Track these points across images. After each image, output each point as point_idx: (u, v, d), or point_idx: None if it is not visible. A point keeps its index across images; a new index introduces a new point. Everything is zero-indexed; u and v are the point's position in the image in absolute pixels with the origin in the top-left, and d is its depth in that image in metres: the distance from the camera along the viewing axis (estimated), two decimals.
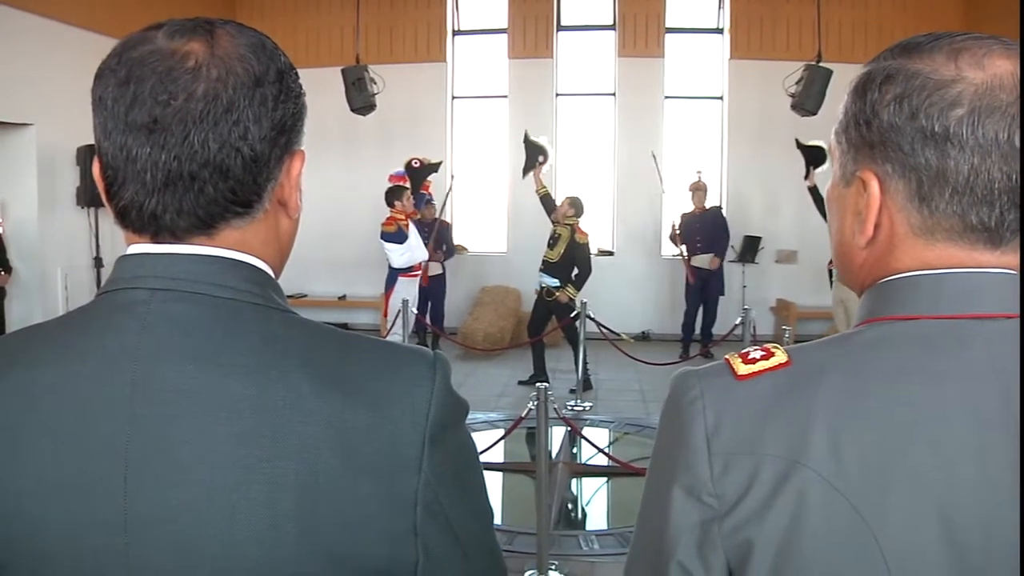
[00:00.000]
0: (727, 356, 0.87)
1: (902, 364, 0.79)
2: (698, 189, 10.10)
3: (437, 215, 9.43)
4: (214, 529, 0.75)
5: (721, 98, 11.63)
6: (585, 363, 8.09)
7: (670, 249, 11.10)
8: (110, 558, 0.76)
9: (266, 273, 0.86)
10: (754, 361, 0.84)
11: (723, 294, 10.19)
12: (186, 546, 0.75)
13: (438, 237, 9.48)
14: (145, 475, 0.75)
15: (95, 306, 0.84)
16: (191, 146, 0.78)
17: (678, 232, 10.06)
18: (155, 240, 0.82)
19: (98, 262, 8.81)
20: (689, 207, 10.16)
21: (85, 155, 8.39)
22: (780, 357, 0.84)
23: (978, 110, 0.77)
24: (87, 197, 8.54)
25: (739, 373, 0.84)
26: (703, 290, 10.13)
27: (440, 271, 9.69)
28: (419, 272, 8.54)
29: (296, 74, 0.87)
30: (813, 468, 0.76)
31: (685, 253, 10.03)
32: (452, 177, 9.04)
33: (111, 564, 0.76)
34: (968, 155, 0.78)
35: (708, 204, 10.27)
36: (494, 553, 0.92)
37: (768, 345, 0.86)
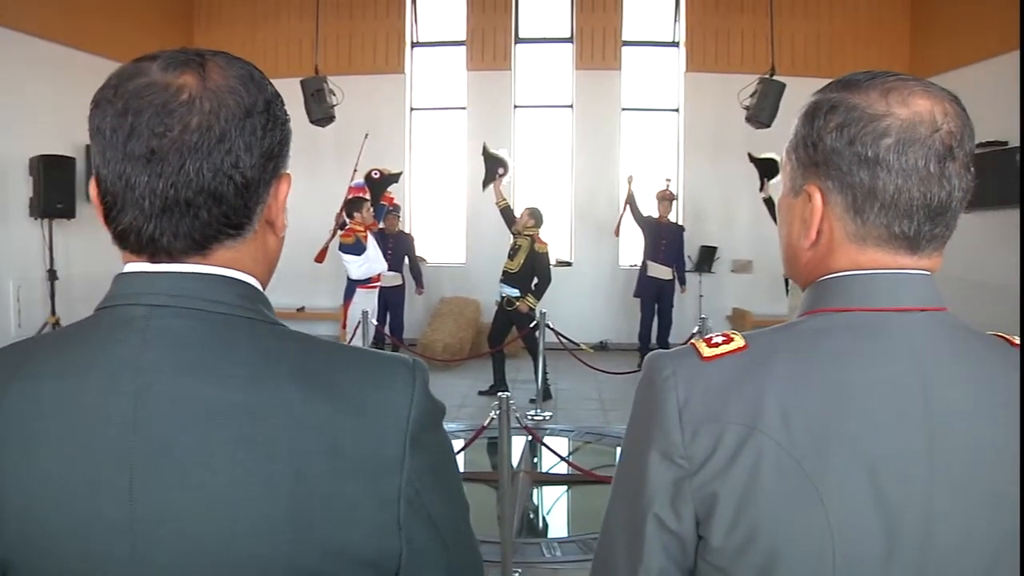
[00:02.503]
0: (693, 341, 1.03)
1: (839, 347, 0.95)
2: (664, 198, 10.18)
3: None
4: (214, 527, 0.80)
5: (677, 110, 11.77)
6: (545, 373, 8.13)
7: (627, 259, 11.21)
8: (116, 557, 0.81)
9: (256, 289, 0.92)
10: (717, 345, 1.00)
11: (673, 306, 10.29)
12: (189, 544, 0.81)
13: (400, 250, 9.47)
14: (149, 478, 0.81)
15: (95, 321, 0.89)
16: (187, 174, 0.83)
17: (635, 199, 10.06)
18: (152, 260, 0.88)
19: (52, 274, 8.64)
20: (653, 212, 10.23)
21: (38, 165, 8.28)
22: (739, 342, 1.00)
23: (903, 140, 0.94)
24: (41, 208, 8.41)
25: (704, 355, 1.00)
26: (658, 300, 10.23)
27: (399, 282, 9.67)
28: (378, 283, 8.51)
29: (282, 102, 0.93)
30: (767, 433, 0.92)
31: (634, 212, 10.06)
32: (366, 136, 8.69)
33: (117, 562, 0.81)
34: (894, 177, 0.94)
35: (672, 216, 10.36)
36: (471, 544, 0.99)
37: (728, 332, 1.02)
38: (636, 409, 1.03)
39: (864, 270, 0.98)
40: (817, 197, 1.00)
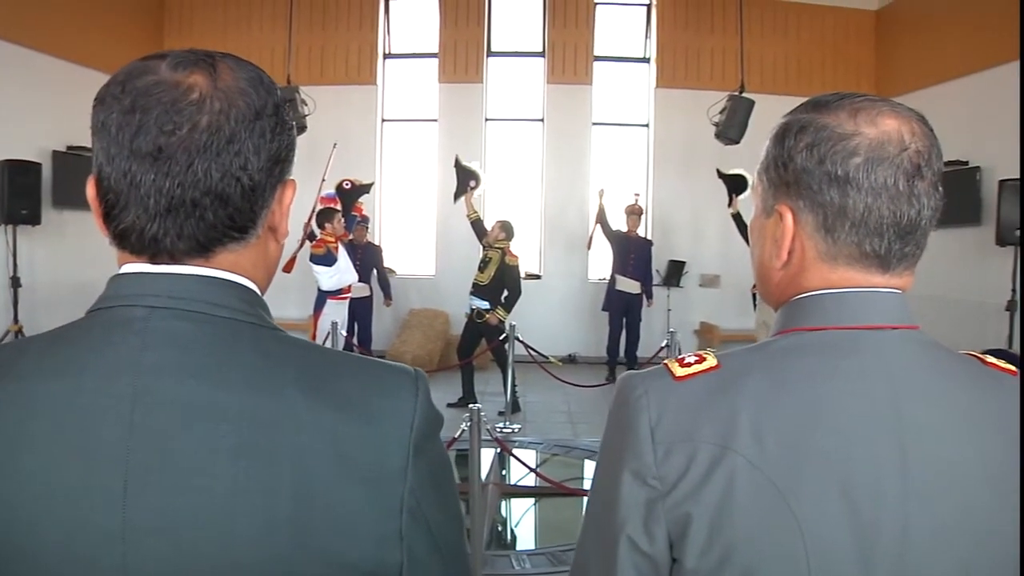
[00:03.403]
0: (665, 361, 1.02)
1: (812, 366, 0.95)
2: (633, 212, 10.23)
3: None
4: (212, 535, 0.78)
5: (647, 125, 11.87)
6: (514, 385, 8.14)
7: (596, 272, 11.27)
8: (106, 565, 0.78)
9: (256, 294, 0.91)
10: (689, 365, 1.00)
11: (641, 319, 10.34)
12: (184, 553, 0.78)
13: (368, 261, 9.45)
14: (145, 484, 0.78)
15: (89, 322, 0.86)
16: (195, 174, 0.82)
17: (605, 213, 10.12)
18: (153, 261, 0.86)
19: (15, 281, 8.47)
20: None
21: (3, 171, 8.15)
22: (711, 361, 1.00)
23: (871, 160, 0.95)
24: (5, 214, 8.26)
25: (676, 375, 0.99)
26: (626, 314, 10.28)
27: (367, 293, 9.63)
28: (348, 295, 8.48)
29: (289, 107, 0.93)
30: (740, 452, 0.91)
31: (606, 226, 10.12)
32: (334, 145, 8.61)
33: (107, 571, 0.77)
34: (863, 195, 0.96)
35: (640, 231, 10.43)
36: (464, 555, 0.97)
37: (700, 352, 1.02)
38: (609, 429, 1.02)
39: (836, 289, 0.99)
40: (788, 217, 1.01)
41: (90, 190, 0.87)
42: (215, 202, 0.84)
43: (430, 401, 0.90)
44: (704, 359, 1.00)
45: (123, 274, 0.87)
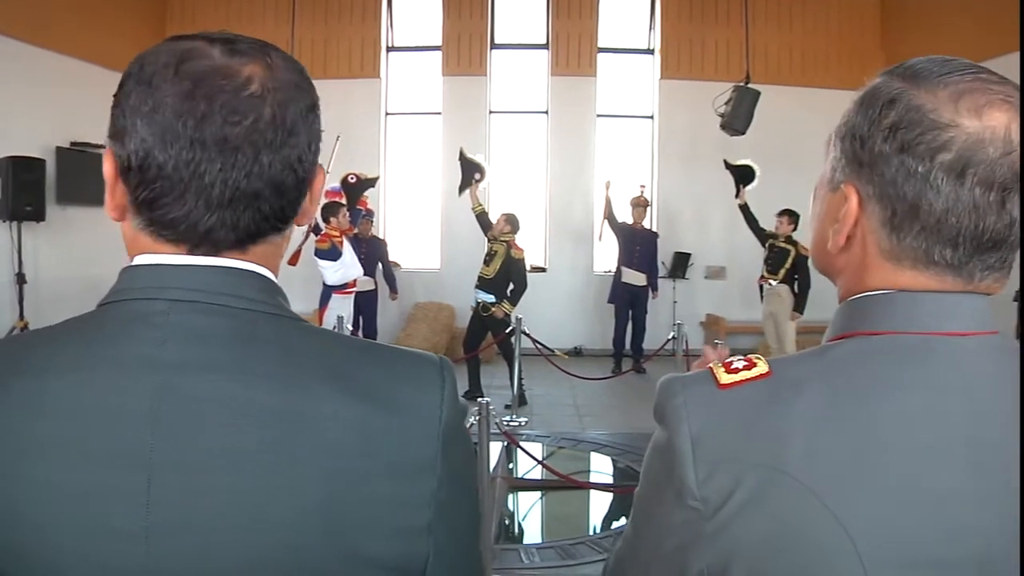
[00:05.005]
0: (711, 365, 0.90)
1: (878, 377, 0.83)
2: (638, 205, 10.23)
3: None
4: (240, 533, 0.76)
5: (652, 117, 11.84)
6: (520, 378, 8.12)
7: (602, 265, 11.25)
8: (128, 566, 0.75)
9: (275, 282, 0.88)
10: (736, 371, 0.87)
11: (647, 312, 10.34)
12: (209, 552, 0.76)
13: (373, 254, 9.44)
14: (170, 483, 0.76)
15: (102, 315, 0.84)
16: (261, 166, 0.81)
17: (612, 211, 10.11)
18: (192, 252, 0.83)
19: (20, 278, 8.46)
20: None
21: (7, 167, 8.14)
22: (761, 368, 0.87)
23: (963, 159, 0.80)
24: (9, 211, 8.25)
25: (721, 382, 0.87)
26: (632, 306, 10.28)
27: (372, 287, 9.63)
28: (354, 289, 8.47)
29: None
30: (792, 475, 0.79)
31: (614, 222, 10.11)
32: (337, 138, 8.53)
33: (129, 572, 0.75)
34: (943, 200, 0.81)
35: (645, 223, 10.43)
36: (480, 550, 0.96)
37: (751, 356, 0.90)
38: (653, 440, 0.92)
39: (908, 289, 0.86)
40: (854, 200, 0.88)
41: (109, 168, 0.84)
42: (273, 193, 0.83)
43: (456, 390, 0.89)
44: (754, 364, 0.88)
45: (139, 266, 0.84)
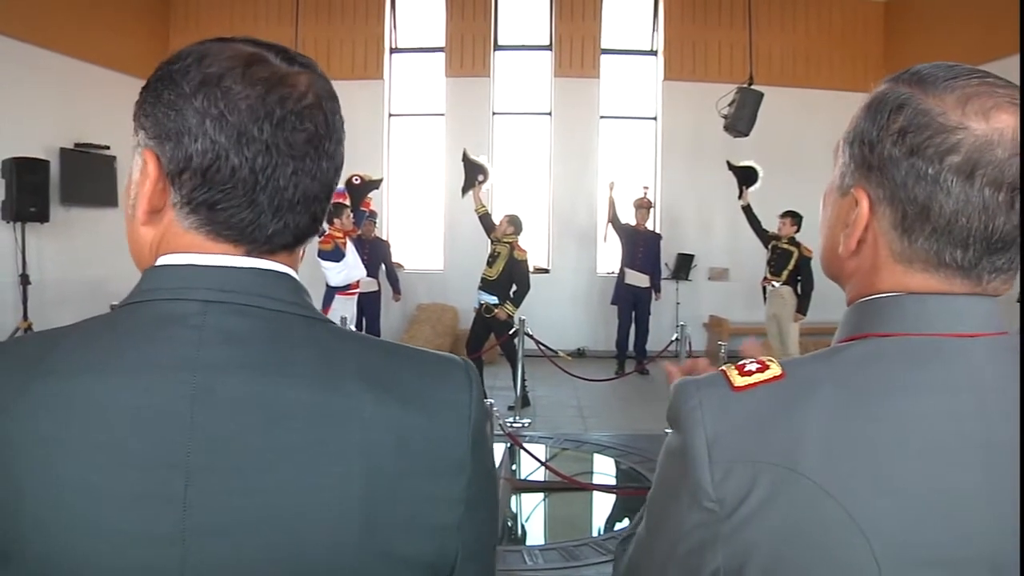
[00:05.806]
0: (723, 367, 0.91)
1: (889, 378, 0.84)
2: (642, 206, 10.22)
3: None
4: (279, 535, 0.76)
5: (655, 118, 11.84)
6: (523, 380, 8.11)
7: (605, 266, 11.25)
8: (163, 570, 0.75)
9: (299, 282, 0.89)
10: (750, 373, 0.88)
11: (650, 313, 10.34)
12: (247, 554, 0.76)
13: (376, 256, 9.44)
14: (208, 486, 0.75)
15: (130, 315, 0.82)
16: (323, 171, 0.86)
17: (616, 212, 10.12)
18: (249, 253, 0.84)
19: (24, 279, 8.46)
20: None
21: (11, 168, 8.16)
22: (775, 370, 0.88)
23: (972, 161, 0.81)
24: (13, 212, 8.25)
25: (736, 384, 0.88)
26: (635, 307, 10.28)
27: (375, 288, 9.63)
28: (357, 290, 8.47)
29: None
30: (807, 475, 0.81)
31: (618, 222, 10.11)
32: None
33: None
34: (953, 201, 0.82)
35: (649, 224, 10.42)
36: (495, 549, 0.97)
37: (763, 359, 0.90)
38: (667, 442, 0.93)
39: (916, 291, 0.88)
40: (864, 204, 0.89)
41: (154, 170, 0.83)
42: (326, 198, 0.88)
43: (482, 391, 0.90)
44: (767, 366, 0.89)
45: (167, 265, 0.84)
